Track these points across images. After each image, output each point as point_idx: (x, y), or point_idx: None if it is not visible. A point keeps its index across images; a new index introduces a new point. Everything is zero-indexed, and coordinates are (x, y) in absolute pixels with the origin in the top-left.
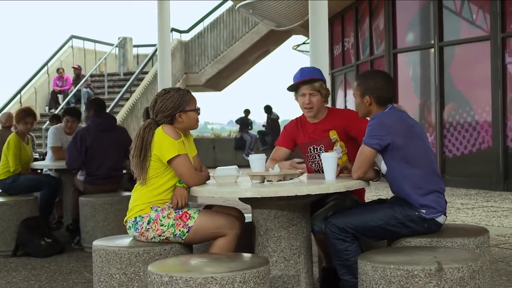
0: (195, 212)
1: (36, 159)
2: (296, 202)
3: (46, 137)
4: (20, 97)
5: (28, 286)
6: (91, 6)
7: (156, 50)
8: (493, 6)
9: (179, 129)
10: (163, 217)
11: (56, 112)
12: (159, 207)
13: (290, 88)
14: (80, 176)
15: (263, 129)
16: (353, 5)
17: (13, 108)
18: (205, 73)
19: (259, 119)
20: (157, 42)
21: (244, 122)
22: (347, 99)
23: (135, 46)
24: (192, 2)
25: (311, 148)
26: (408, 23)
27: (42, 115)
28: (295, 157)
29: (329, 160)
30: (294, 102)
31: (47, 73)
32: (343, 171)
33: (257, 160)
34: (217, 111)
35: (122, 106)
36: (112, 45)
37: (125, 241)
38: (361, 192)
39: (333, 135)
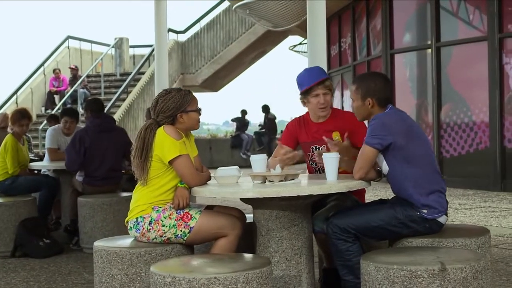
0: (196, 213)
1: (32, 160)
2: (297, 202)
3: (43, 137)
4: (17, 98)
5: (28, 287)
6: (87, 6)
7: (152, 51)
8: (490, 7)
9: (180, 129)
10: (165, 218)
11: (53, 112)
12: (160, 207)
13: (305, 92)
14: (78, 177)
15: (259, 129)
16: (350, 5)
17: (9, 109)
18: (202, 74)
19: (255, 119)
20: (153, 42)
21: (241, 122)
22: (344, 100)
23: (131, 46)
24: (188, 2)
25: (313, 147)
26: (405, 24)
27: (38, 116)
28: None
29: (331, 160)
30: (291, 103)
31: (44, 73)
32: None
33: (258, 161)
34: (212, 112)
35: (119, 106)
36: (108, 45)
37: (126, 241)
38: (361, 192)
39: (335, 136)
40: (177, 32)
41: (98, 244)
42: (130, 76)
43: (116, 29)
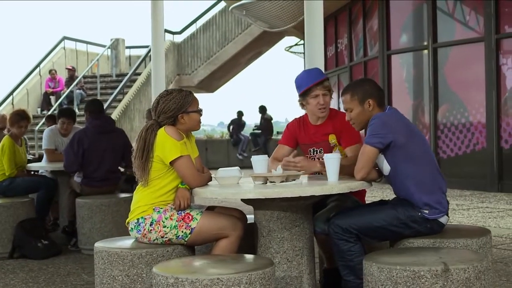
0: (197, 214)
1: (29, 161)
2: (298, 203)
3: (40, 138)
4: (12, 99)
5: None
6: (83, 7)
7: (148, 52)
8: (487, 7)
9: (181, 130)
10: (166, 219)
11: (49, 112)
12: (161, 208)
13: (304, 93)
14: (77, 178)
15: (255, 130)
16: (347, 6)
17: (5, 110)
18: (198, 75)
19: (250, 120)
20: (150, 43)
21: (237, 124)
22: (340, 101)
23: (127, 47)
24: (184, 3)
25: (311, 150)
26: (402, 24)
27: (34, 117)
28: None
29: (332, 161)
30: (287, 103)
31: (39, 74)
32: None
33: (259, 161)
34: (208, 113)
35: (115, 107)
36: (104, 46)
37: (127, 242)
38: (361, 193)
39: (332, 139)
40: (173, 33)
41: (99, 245)
42: (127, 77)
43: (112, 30)
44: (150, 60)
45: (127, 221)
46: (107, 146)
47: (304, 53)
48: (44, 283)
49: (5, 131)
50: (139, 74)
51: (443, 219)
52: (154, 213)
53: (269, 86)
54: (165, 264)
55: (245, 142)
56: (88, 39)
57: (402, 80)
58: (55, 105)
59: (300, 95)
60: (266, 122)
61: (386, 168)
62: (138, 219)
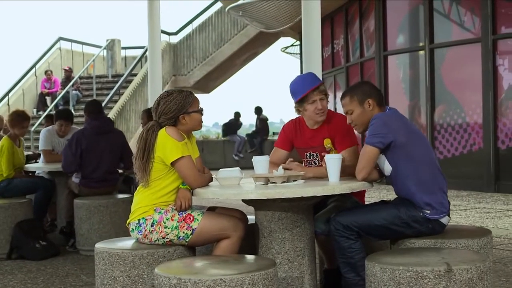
0: (198, 214)
1: (28, 157)
2: (300, 203)
3: (36, 139)
4: (8, 99)
5: None
6: (78, 8)
7: (144, 52)
8: (484, 8)
9: (182, 130)
10: (167, 219)
11: (46, 113)
12: (162, 209)
13: (301, 100)
14: (75, 178)
15: (252, 131)
16: (343, 7)
17: (1, 111)
18: (194, 75)
19: (246, 121)
20: (146, 44)
21: (234, 124)
22: (337, 101)
23: (123, 48)
24: (180, 3)
25: (307, 154)
26: (398, 25)
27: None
28: (294, 157)
29: (333, 161)
30: (282, 104)
31: (35, 75)
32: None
33: (260, 162)
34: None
35: (111, 108)
36: (100, 47)
37: (128, 243)
38: (361, 193)
39: (327, 143)
40: (169, 34)
41: (99, 245)
42: (123, 78)
43: (108, 30)
44: (146, 60)
45: (127, 221)
46: (106, 147)
47: (300, 54)
48: (43, 284)
49: (1, 132)
50: (135, 75)
51: (444, 220)
52: (155, 214)
53: (265, 87)
54: (166, 265)
55: (241, 143)
56: (84, 40)
57: (398, 80)
58: (51, 106)
59: (296, 102)
60: (262, 122)
61: (387, 168)
62: (139, 220)
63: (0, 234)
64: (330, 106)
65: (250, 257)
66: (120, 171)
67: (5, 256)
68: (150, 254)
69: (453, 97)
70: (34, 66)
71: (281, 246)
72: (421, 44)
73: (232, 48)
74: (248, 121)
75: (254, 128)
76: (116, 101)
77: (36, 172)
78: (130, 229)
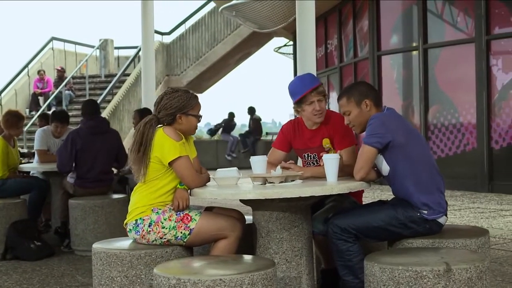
0: (196, 214)
1: (23, 154)
2: (297, 203)
3: (28, 139)
4: (0, 99)
5: None
6: (71, 8)
7: (138, 52)
8: (477, 8)
9: (178, 130)
10: (165, 220)
11: (38, 113)
12: (160, 209)
13: (299, 101)
14: (70, 179)
15: (245, 131)
16: (336, 7)
17: None
18: (187, 75)
19: (238, 121)
20: (139, 43)
21: (228, 124)
22: (330, 101)
23: (116, 48)
24: (173, 3)
25: (305, 155)
26: (392, 25)
27: None
28: (292, 159)
29: (331, 161)
30: (275, 104)
31: (28, 75)
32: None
33: (258, 162)
34: None
35: (104, 108)
36: (93, 47)
37: (125, 243)
38: (359, 193)
39: (326, 143)
40: (162, 34)
41: (97, 246)
42: (116, 78)
43: (101, 30)
44: (139, 60)
45: (125, 222)
46: (101, 147)
47: (293, 54)
48: (38, 285)
49: None
50: (128, 74)
51: (442, 220)
52: (152, 214)
53: (258, 88)
54: (165, 265)
55: (234, 143)
56: (77, 40)
57: (392, 81)
58: (43, 106)
59: (295, 103)
60: (255, 123)
61: (385, 168)
62: (136, 220)
63: None
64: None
65: (249, 257)
66: (115, 171)
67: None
68: (148, 254)
69: (446, 97)
70: (26, 66)
71: (279, 246)
72: (414, 44)
73: (225, 48)
74: (240, 121)
75: (247, 128)
76: (109, 101)
77: (31, 172)
78: (128, 230)
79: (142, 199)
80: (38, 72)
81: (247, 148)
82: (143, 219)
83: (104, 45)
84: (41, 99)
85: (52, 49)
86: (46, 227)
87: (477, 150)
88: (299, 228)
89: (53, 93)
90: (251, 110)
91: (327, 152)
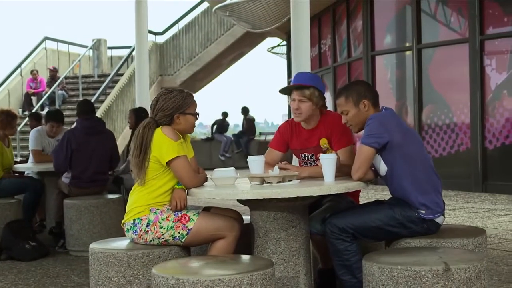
0: (194, 214)
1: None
2: (295, 203)
3: (22, 139)
4: None
5: None
6: (64, 7)
7: (131, 52)
8: (471, 9)
9: (177, 130)
10: (162, 220)
11: (31, 112)
12: (158, 209)
13: (282, 91)
14: (65, 179)
15: (238, 132)
16: (330, 7)
17: None
18: (180, 76)
19: (231, 121)
20: (132, 43)
21: (221, 124)
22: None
23: (109, 48)
24: (166, 3)
25: (302, 155)
26: (386, 25)
27: None
28: (287, 159)
29: (328, 161)
30: (268, 104)
31: (21, 75)
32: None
33: (256, 162)
34: None
35: (98, 108)
36: (86, 47)
37: (123, 243)
38: (356, 193)
39: (323, 143)
40: (155, 34)
41: (94, 246)
42: (109, 78)
43: (94, 30)
44: (132, 60)
45: (122, 222)
46: (96, 147)
47: (287, 54)
48: (34, 285)
49: None
50: (121, 74)
51: (439, 219)
52: (150, 214)
53: (251, 87)
54: (163, 265)
55: (228, 143)
56: (70, 40)
57: (386, 81)
58: (36, 106)
59: (283, 94)
60: (248, 123)
61: (383, 168)
62: (134, 220)
63: None
64: None
65: (247, 257)
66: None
67: None
68: (146, 254)
69: (440, 97)
70: (19, 66)
71: (277, 246)
72: (408, 44)
73: (219, 48)
74: (234, 122)
75: (240, 129)
76: (102, 101)
77: (25, 173)
78: (125, 229)
79: (140, 199)
80: (31, 72)
81: (241, 149)
82: (141, 219)
83: (97, 45)
84: (34, 99)
85: (45, 49)
86: (40, 227)
87: (471, 150)
88: (297, 228)
89: (46, 93)
90: (245, 110)
91: (325, 152)
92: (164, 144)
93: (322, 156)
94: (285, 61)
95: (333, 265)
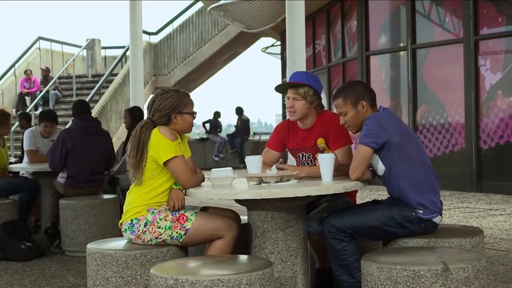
0: (192, 214)
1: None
2: (293, 203)
3: (15, 139)
4: None
5: None
6: (58, 7)
7: (125, 52)
8: (465, 9)
9: (174, 130)
10: (160, 220)
11: (25, 112)
12: (155, 209)
13: (277, 88)
14: (60, 179)
15: (232, 132)
16: (325, 7)
17: None
18: (174, 76)
19: (226, 121)
20: (127, 43)
21: (214, 125)
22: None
23: (103, 48)
24: (160, 3)
25: (300, 155)
26: (380, 25)
27: None
28: (284, 159)
29: (326, 161)
30: (262, 104)
31: (14, 75)
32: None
33: (253, 162)
34: None
35: (92, 108)
36: (80, 47)
37: (120, 243)
38: (353, 193)
39: (320, 143)
40: (149, 34)
41: (91, 246)
42: (103, 78)
43: (88, 30)
44: (126, 60)
45: (120, 222)
46: (92, 147)
47: (281, 54)
48: (29, 286)
49: None
50: (115, 74)
51: (437, 219)
52: (148, 214)
53: (245, 87)
54: (161, 265)
55: (222, 143)
56: (64, 40)
57: (381, 81)
58: (30, 106)
59: (278, 92)
60: (243, 123)
61: (380, 168)
62: (132, 220)
63: None
64: None
65: (246, 257)
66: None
67: None
68: (143, 254)
69: (435, 97)
70: (13, 66)
71: (274, 246)
72: (403, 44)
73: (213, 48)
74: (227, 121)
75: (233, 129)
76: (96, 101)
77: (20, 173)
78: (123, 230)
79: (137, 199)
80: (25, 72)
81: (235, 149)
82: (139, 219)
83: (91, 45)
84: (27, 99)
85: (39, 48)
86: (35, 228)
87: (465, 150)
88: (294, 228)
89: (40, 93)
90: (239, 111)
91: (322, 151)
92: (161, 144)
93: (320, 156)
94: (279, 61)
95: (330, 265)
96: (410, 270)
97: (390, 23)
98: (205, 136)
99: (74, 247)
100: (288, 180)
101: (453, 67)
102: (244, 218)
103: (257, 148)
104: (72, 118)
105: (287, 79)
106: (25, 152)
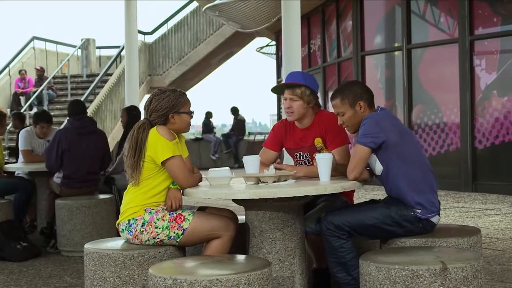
0: (189, 214)
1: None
2: (291, 203)
3: (10, 139)
4: None
5: None
6: (52, 7)
7: (120, 52)
8: (461, 9)
9: (172, 130)
10: (158, 220)
11: (20, 112)
12: (153, 209)
13: (274, 90)
14: (56, 179)
15: (227, 132)
16: (320, 7)
17: None
18: (169, 75)
19: (220, 121)
20: (121, 43)
21: (207, 126)
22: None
23: (98, 47)
24: (155, 3)
25: (297, 154)
26: (376, 25)
27: None
28: (280, 159)
29: (324, 161)
30: (258, 104)
31: (9, 74)
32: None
33: (251, 162)
34: None
35: (87, 108)
36: (74, 46)
37: (118, 243)
38: (350, 193)
39: (318, 143)
40: (144, 33)
41: (89, 246)
42: (98, 78)
43: (83, 30)
44: (121, 60)
45: (117, 222)
46: (88, 147)
47: (276, 54)
48: (26, 286)
49: None
50: (110, 74)
51: (434, 219)
52: (145, 214)
53: (240, 87)
54: (160, 265)
55: (217, 143)
56: (58, 39)
57: (376, 81)
58: (25, 106)
59: (274, 93)
60: (239, 123)
61: (378, 168)
62: (129, 220)
63: None
64: None
65: (244, 257)
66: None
67: None
68: (141, 254)
69: (430, 97)
70: (7, 65)
71: (272, 246)
72: (398, 44)
73: (208, 48)
74: (222, 121)
75: (228, 128)
76: (91, 101)
77: (16, 173)
78: (120, 230)
79: (134, 199)
80: (20, 71)
81: (230, 149)
82: (136, 219)
83: (86, 45)
84: (22, 98)
85: (34, 48)
86: (31, 228)
87: (460, 149)
88: (292, 227)
89: (34, 93)
90: (235, 111)
91: (319, 151)
92: (159, 143)
93: (318, 156)
94: (274, 61)
95: (327, 265)
96: (408, 269)
97: (385, 23)
98: (200, 136)
99: (70, 247)
100: (286, 180)
101: (448, 67)
102: (241, 218)
103: (252, 148)
104: (68, 118)
105: (283, 79)
106: (20, 152)
